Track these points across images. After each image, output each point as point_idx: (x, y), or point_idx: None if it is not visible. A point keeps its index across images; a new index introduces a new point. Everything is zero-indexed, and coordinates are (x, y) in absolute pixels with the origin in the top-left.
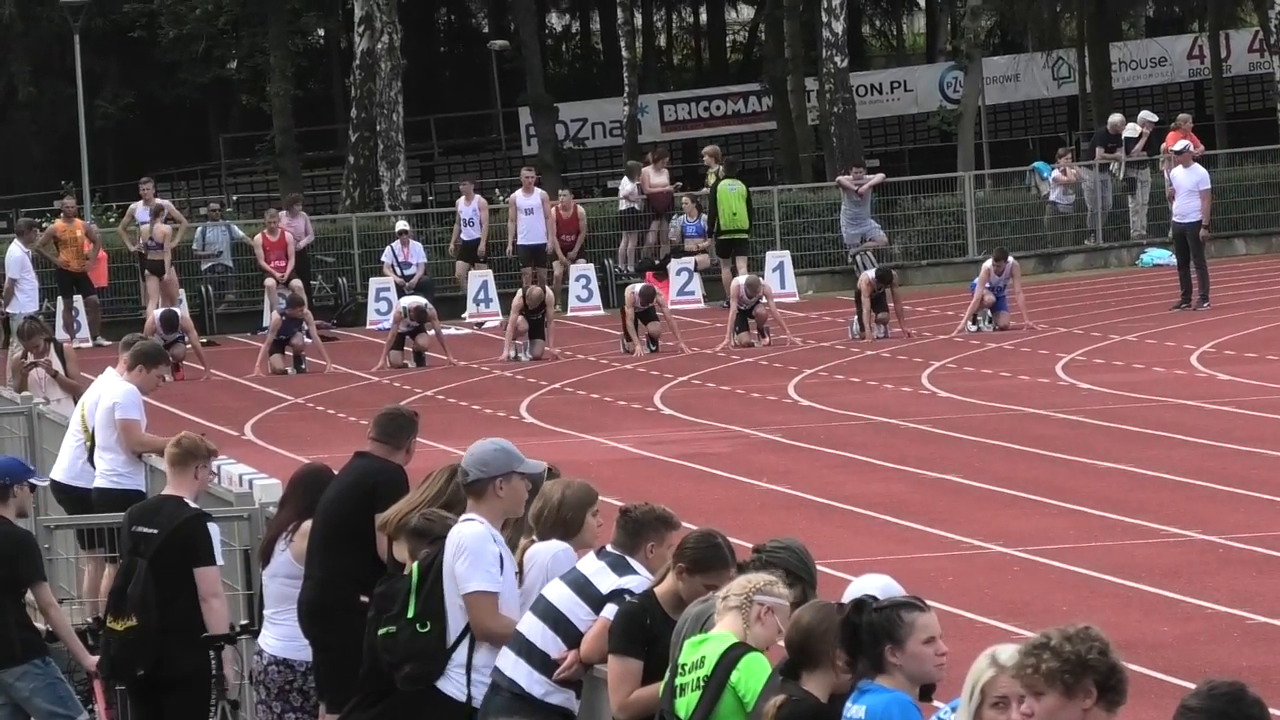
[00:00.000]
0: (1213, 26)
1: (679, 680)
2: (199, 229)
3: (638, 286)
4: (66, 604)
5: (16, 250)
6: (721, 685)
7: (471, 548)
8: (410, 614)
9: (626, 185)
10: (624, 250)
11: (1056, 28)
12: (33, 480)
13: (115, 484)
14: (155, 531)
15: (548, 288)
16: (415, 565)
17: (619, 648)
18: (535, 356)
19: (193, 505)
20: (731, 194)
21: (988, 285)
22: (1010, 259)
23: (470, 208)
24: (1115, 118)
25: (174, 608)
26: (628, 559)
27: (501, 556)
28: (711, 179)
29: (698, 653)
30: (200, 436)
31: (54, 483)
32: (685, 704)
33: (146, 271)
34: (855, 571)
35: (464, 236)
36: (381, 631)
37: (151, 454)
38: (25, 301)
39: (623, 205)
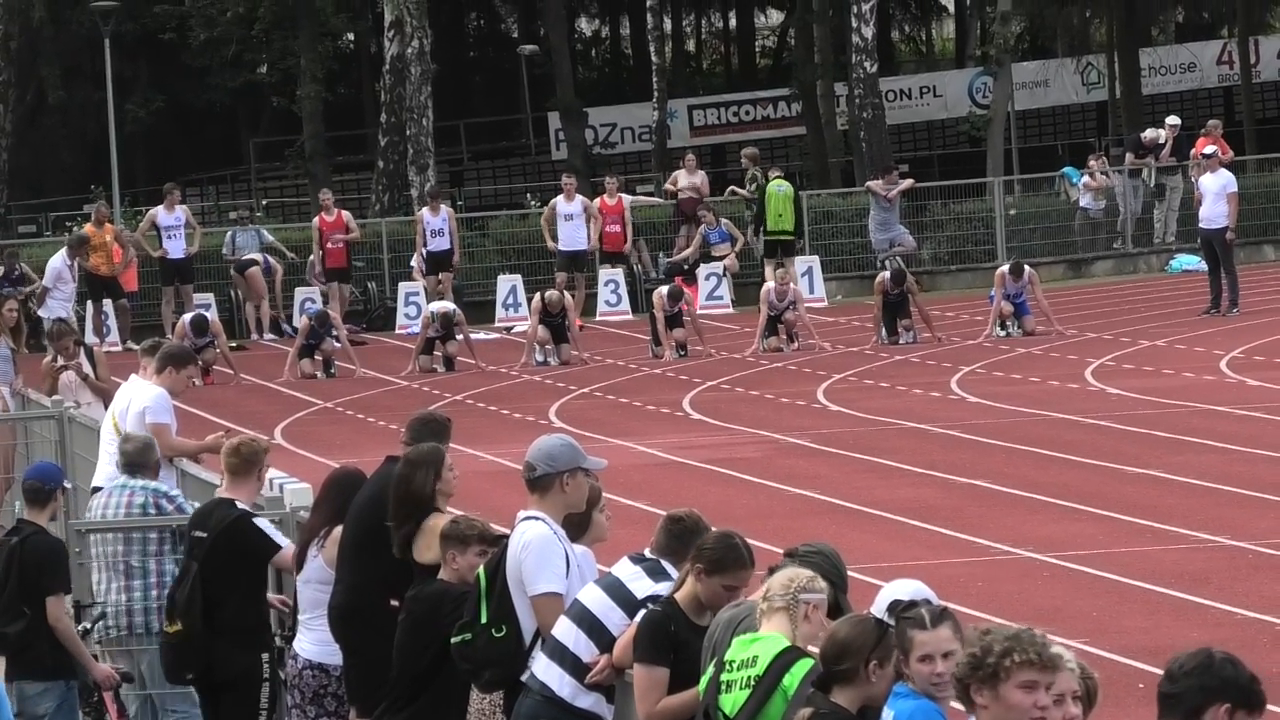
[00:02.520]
0: (1242, 32)
1: (726, 677)
2: (229, 233)
3: (665, 289)
4: (100, 605)
5: (57, 260)
6: (773, 687)
7: (537, 549)
8: (484, 620)
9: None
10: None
11: (1086, 33)
12: (65, 483)
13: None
14: (205, 535)
15: (568, 293)
16: (481, 570)
17: (645, 656)
18: (563, 361)
19: (240, 506)
20: (780, 194)
21: (1005, 294)
22: (1026, 271)
23: (439, 218)
24: (1151, 132)
25: (223, 610)
26: (664, 564)
27: (567, 555)
28: (750, 182)
29: (748, 651)
30: (259, 438)
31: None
32: (732, 701)
33: (234, 271)
34: (885, 577)
35: (430, 248)
36: (457, 639)
37: (183, 458)
38: (55, 307)
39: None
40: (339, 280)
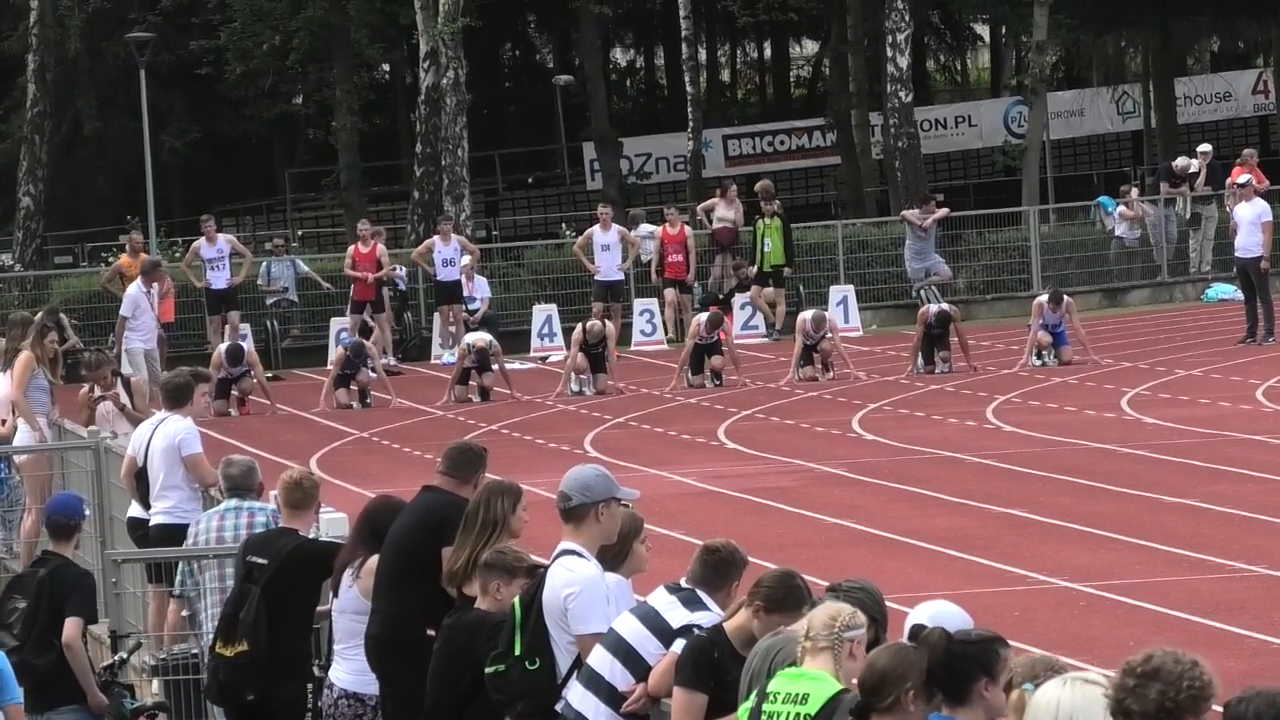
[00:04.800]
0: (1277, 61)
1: (770, 708)
2: (264, 264)
3: (703, 316)
4: (135, 635)
5: (134, 289)
6: None
7: (584, 589)
8: (517, 652)
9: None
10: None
11: (1121, 63)
12: (85, 512)
13: (181, 520)
14: (265, 562)
15: (608, 322)
16: (516, 602)
17: (686, 680)
18: (599, 391)
19: (301, 535)
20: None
21: (1042, 323)
22: (1065, 300)
23: (450, 247)
24: (1181, 160)
25: (282, 637)
26: (699, 594)
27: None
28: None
29: (797, 686)
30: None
31: (131, 519)
32: None
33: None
34: None
35: (441, 277)
36: (490, 670)
37: (210, 487)
38: (134, 340)
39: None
40: (373, 311)
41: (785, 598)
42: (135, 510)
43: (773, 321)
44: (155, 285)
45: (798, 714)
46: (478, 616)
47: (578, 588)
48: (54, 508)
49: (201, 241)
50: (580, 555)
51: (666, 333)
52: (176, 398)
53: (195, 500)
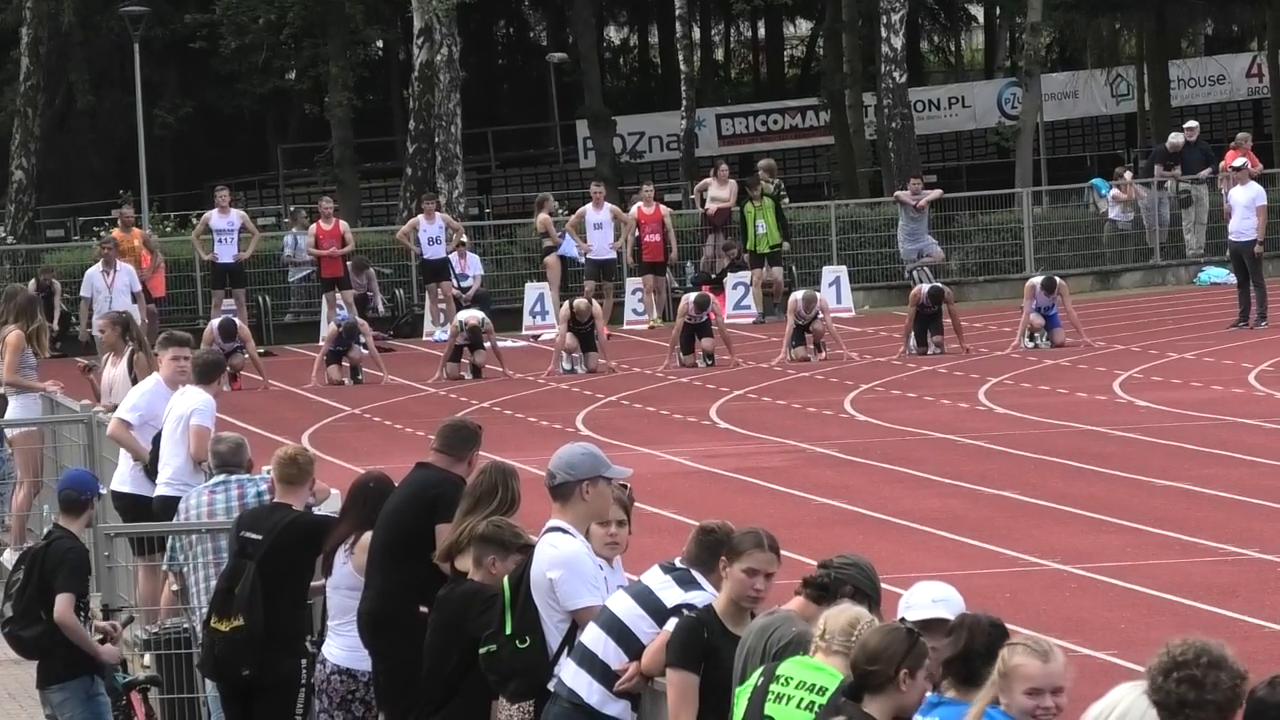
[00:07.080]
0: (1271, 45)
1: (779, 689)
2: (287, 236)
3: (692, 295)
4: (127, 609)
5: (92, 270)
6: None
7: (571, 564)
8: (508, 631)
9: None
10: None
11: (1115, 45)
12: (100, 490)
13: (181, 492)
14: (260, 537)
15: (596, 301)
16: (506, 581)
17: (676, 661)
18: (591, 369)
19: (295, 510)
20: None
21: (1035, 306)
22: (1057, 285)
23: (435, 225)
24: (1174, 137)
25: (277, 612)
26: (694, 574)
27: (598, 565)
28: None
29: (815, 678)
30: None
31: (114, 492)
32: (785, 713)
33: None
34: (911, 587)
35: (427, 256)
36: (483, 651)
37: (201, 462)
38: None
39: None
40: (338, 288)
41: (741, 540)
42: (117, 484)
43: (776, 302)
44: (116, 265)
45: (812, 701)
46: (472, 588)
47: (561, 566)
48: (66, 482)
49: (214, 213)
50: (565, 532)
51: (652, 316)
52: (206, 374)
53: (197, 473)
